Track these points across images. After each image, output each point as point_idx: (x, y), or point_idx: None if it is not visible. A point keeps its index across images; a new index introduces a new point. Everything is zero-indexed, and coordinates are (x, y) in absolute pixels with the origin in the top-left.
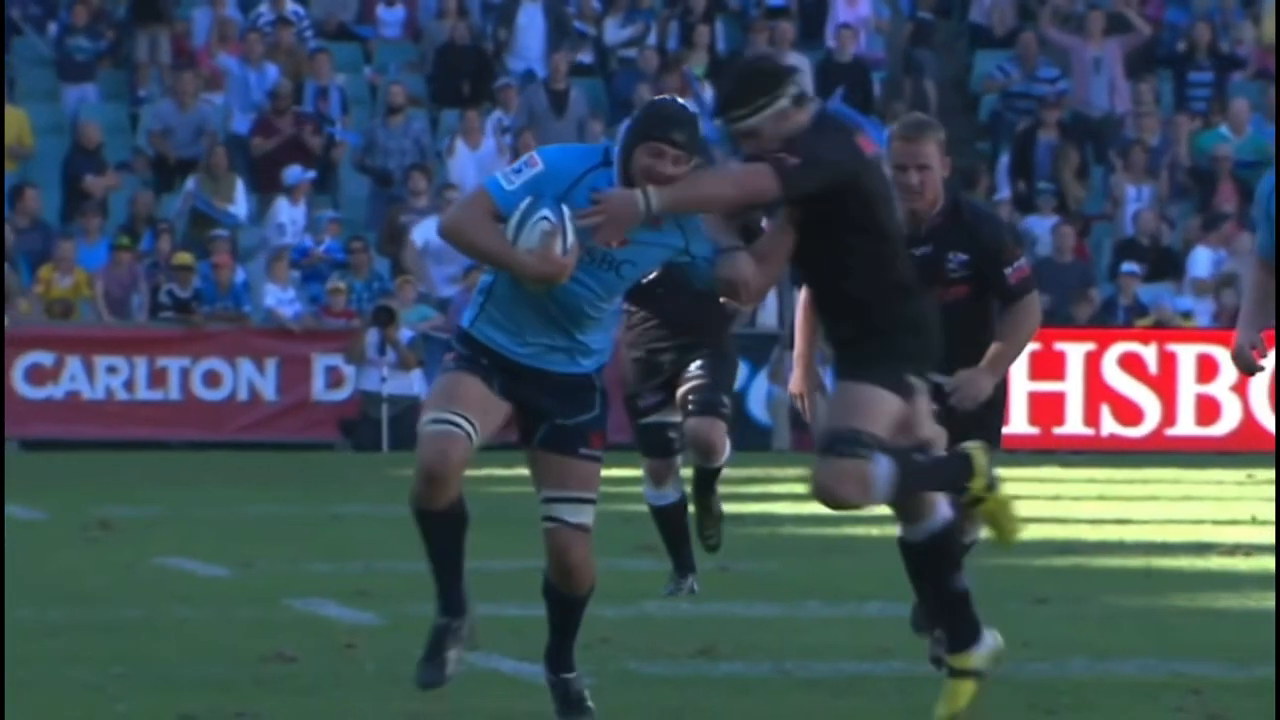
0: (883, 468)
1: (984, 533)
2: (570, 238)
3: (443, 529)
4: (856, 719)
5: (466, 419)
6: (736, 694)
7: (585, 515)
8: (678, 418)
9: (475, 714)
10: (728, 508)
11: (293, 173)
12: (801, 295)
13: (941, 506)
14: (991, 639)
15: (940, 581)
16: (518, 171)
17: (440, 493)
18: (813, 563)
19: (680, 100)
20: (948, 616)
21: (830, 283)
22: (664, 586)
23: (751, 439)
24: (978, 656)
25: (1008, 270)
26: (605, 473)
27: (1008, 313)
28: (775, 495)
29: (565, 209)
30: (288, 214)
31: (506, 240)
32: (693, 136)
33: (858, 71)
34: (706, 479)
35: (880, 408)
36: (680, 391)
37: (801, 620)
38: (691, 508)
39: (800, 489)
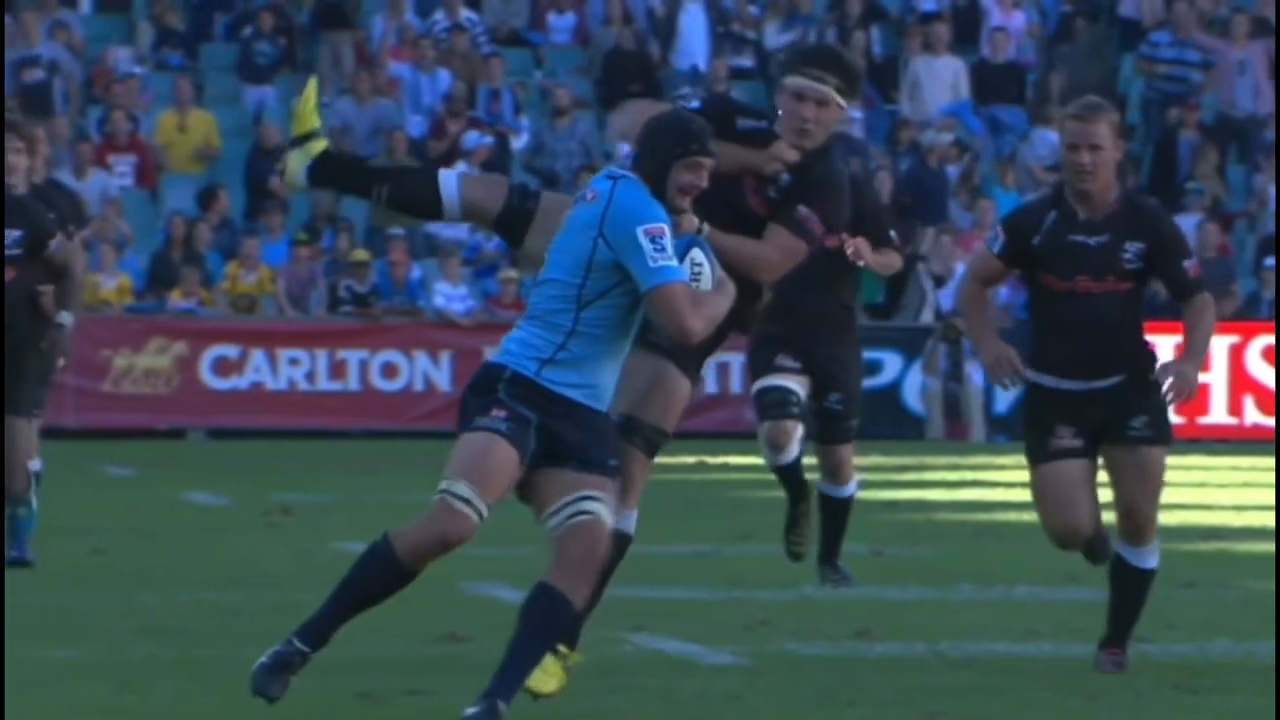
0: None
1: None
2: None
3: (392, 584)
4: (1007, 698)
5: (488, 506)
6: (892, 674)
7: (603, 507)
8: (801, 390)
9: (640, 692)
10: (883, 495)
11: (471, 137)
12: (966, 284)
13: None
14: None
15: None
16: (662, 248)
17: (431, 561)
18: (964, 548)
19: (682, 108)
20: None
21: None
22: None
23: (906, 429)
24: None
25: (1186, 264)
26: (757, 460)
27: (1191, 308)
28: (928, 482)
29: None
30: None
31: (707, 294)
32: (710, 137)
33: (1011, 74)
34: (833, 520)
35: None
36: (815, 408)
37: (954, 603)
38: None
39: (953, 476)
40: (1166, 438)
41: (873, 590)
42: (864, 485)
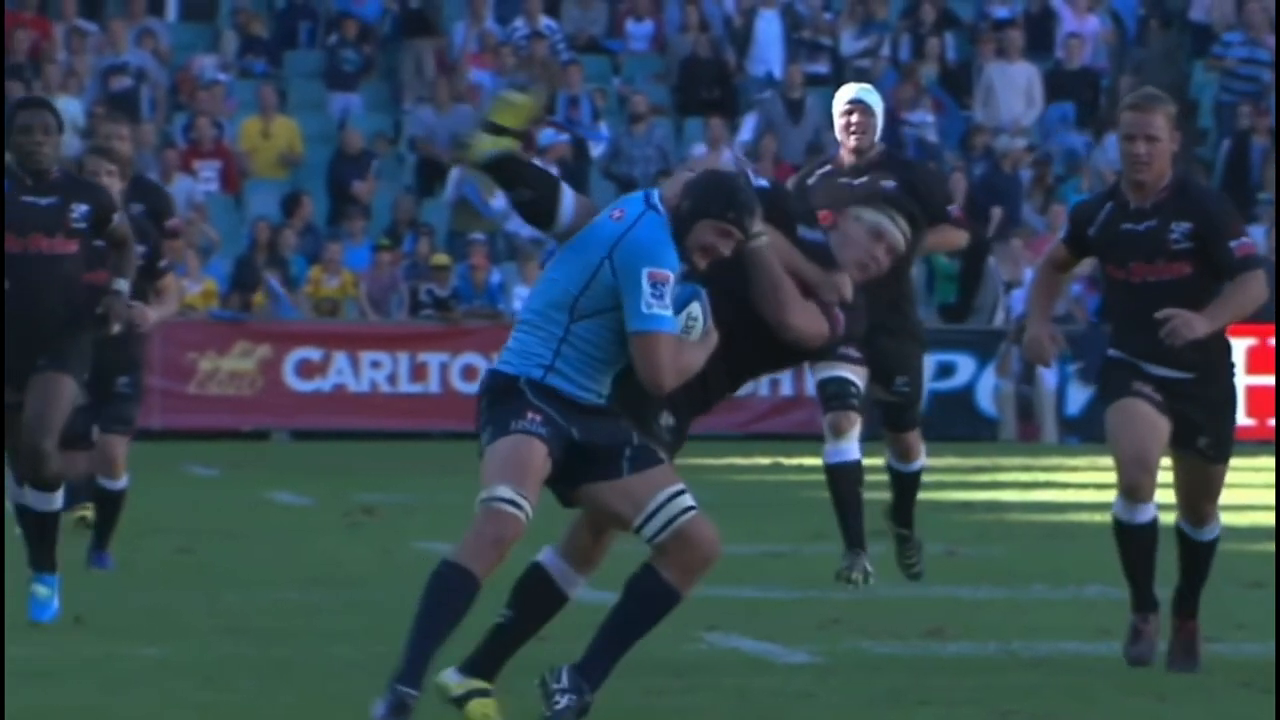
0: None
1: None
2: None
3: (467, 600)
4: (1078, 697)
5: (531, 504)
6: (963, 673)
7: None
8: (860, 381)
9: (715, 691)
10: (957, 495)
11: (547, 134)
12: (1039, 267)
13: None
14: None
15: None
16: (660, 295)
17: (494, 566)
18: (1037, 548)
19: (746, 175)
20: None
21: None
22: (839, 566)
23: (979, 430)
24: None
25: (1233, 244)
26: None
27: (1235, 280)
28: (1002, 483)
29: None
30: None
31: (688, 344)
32: (756, 219)
33: (1086, 80)
34: (903, 492)
35: None
36: (879, 396)
37: (1026, 602)
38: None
39: (1025, 477)
40: (1227, 455)
41: (946, 589)
42: (938, 486)
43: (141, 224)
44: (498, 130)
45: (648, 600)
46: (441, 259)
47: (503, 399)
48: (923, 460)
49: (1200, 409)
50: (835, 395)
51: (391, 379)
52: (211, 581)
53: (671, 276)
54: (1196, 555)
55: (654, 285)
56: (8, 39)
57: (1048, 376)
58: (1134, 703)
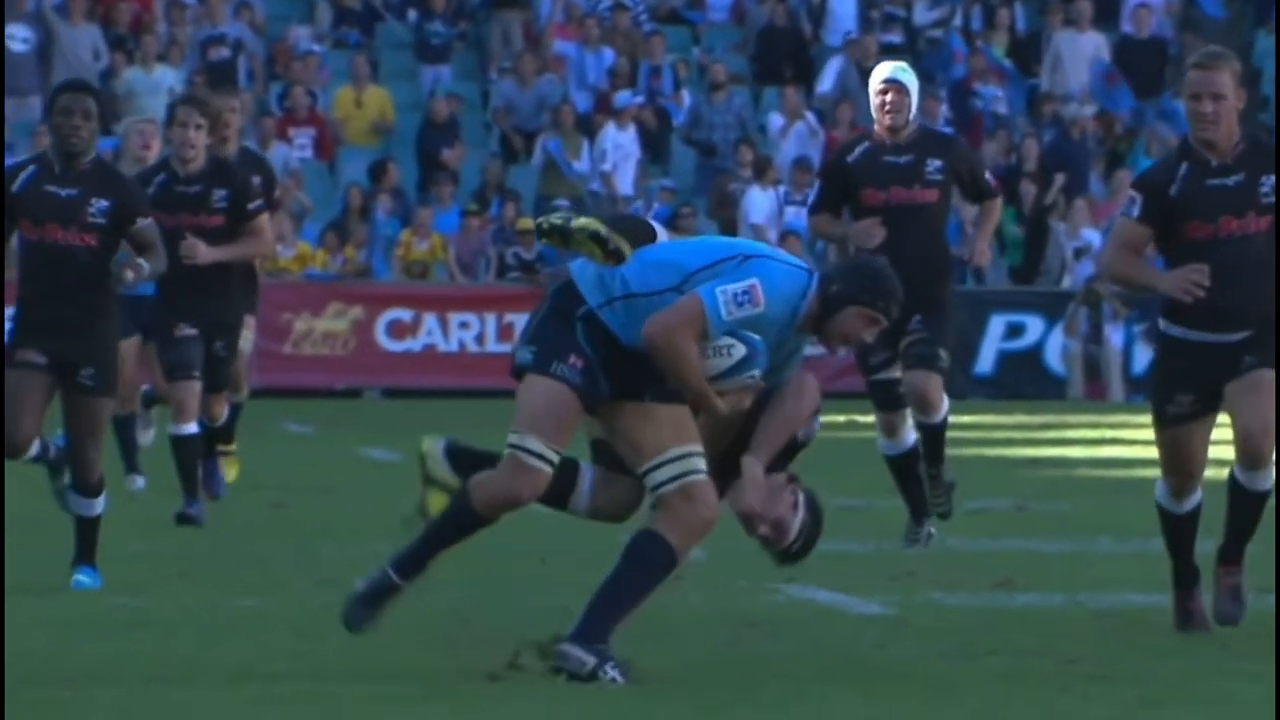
0: None
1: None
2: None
3: (472, 529)
4: (1141, 647)
5: (559, 455)
6: (1032, 623)
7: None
8: (899, 372)
9: (792, 640)
10: (1025, 452)
11: (623, 97)
12: (1114, 255)
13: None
14: None
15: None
16: (740, 304)
17: (506, 512)
18: (1103, 502)
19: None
20: None
21: None
22: (904, 538)
23: (1048, 389)
24: None
25: None
26: None
27: None
28: (1069, 440)
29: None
30: (613, 139)
31: (703, 374)
32: (898, 306)
33: (1154, 49)
34: (931, 440)
35: None
36: (901, 346)
37: (1092, 555)
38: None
39: (1092, 434)
40: (1272, 361)
41: (1014, 543)
42: (1008, 443)
43: (231, 170)
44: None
45: (647, 564)
46: (527, 223)
47: (561, 321)
48: (944, 412)
49: (1247, 348)
50: (884, 400)
51: (479, 339)
52: (306, 535)
53: (761, 297)
54: (1249, 506)
55: (743, 293)
56: (111, 11)
57: (1114, 336)
58: (1196, 650)
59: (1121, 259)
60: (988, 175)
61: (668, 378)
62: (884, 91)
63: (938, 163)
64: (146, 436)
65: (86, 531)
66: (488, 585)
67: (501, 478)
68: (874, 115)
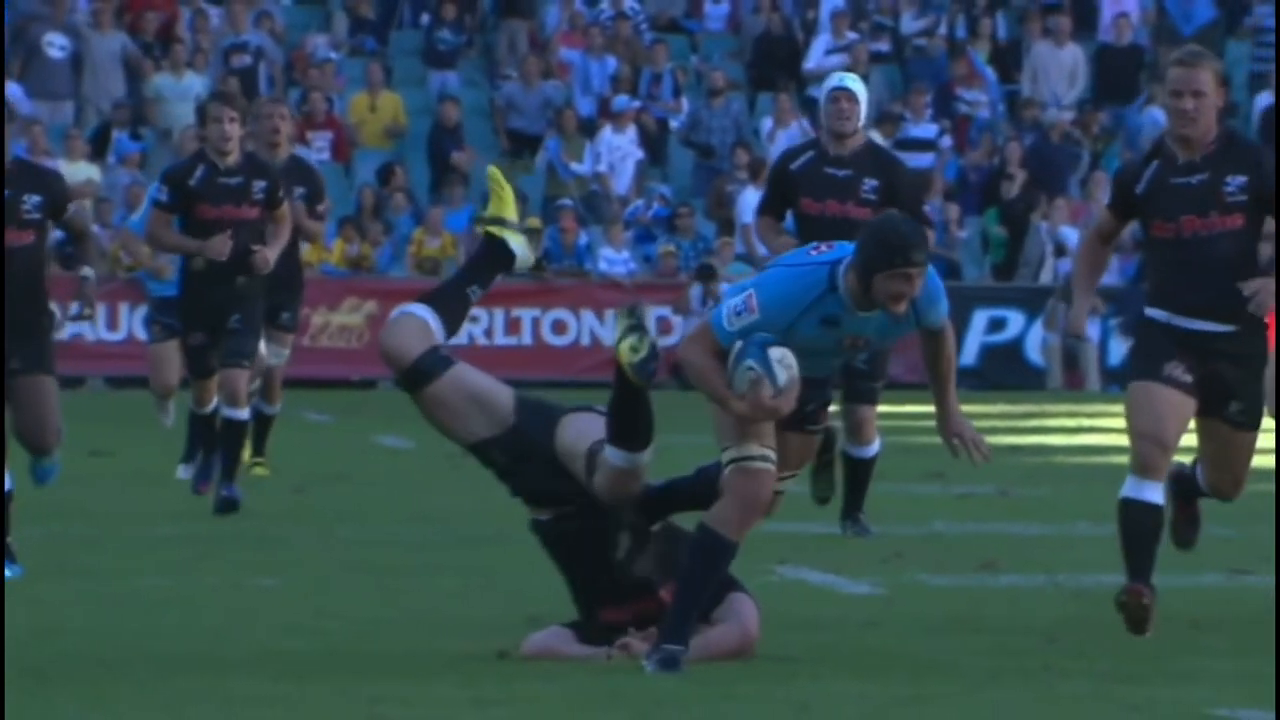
0: None
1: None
2: (782, 376)
3: (731, 559)
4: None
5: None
6: (1014, 603)
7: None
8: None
9: (785, 619)
10: (1007, 440)
11: (620, 100)
12: (1085, 239)
13: None
14: None
15: None
16: (738, 314)
17: (753, 526)
18: (1081, 488)
19: (903, 217)
20: None
21: None
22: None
23: (1028, 380)
24: None
25: None
26: (897, 409)
27: None
28: (1049, 429)
29: (773, 352)
30: (609, 142)
31: (724, 384)
32: (926, 248)
33: (1132, 57)
34: (858, 475)
35: None
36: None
37: (1071, 538)
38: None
39: (1071, 423)
40: (1258, 422)
41: (998, 526)
42: (990, 432)
43: (264, 163)
44: (501, 223)
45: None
46: (534, 222)
47: None
48: (876, 446)
49: (1236, 367)
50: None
51: (488, 332)
52: (324, 519)
53: (756, 306)
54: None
55: (740, 303)
56: (138, 20)
57: (1091, 330)
58: (1170, 629)
59: (1085, 252)
60: (926, 208)
61: (693, 385)
62: (835, 99)
63: (874, 182)
64: (168, 420)
65: None
66: (490, 569)
67: (750, 493)
68: (823, 121)
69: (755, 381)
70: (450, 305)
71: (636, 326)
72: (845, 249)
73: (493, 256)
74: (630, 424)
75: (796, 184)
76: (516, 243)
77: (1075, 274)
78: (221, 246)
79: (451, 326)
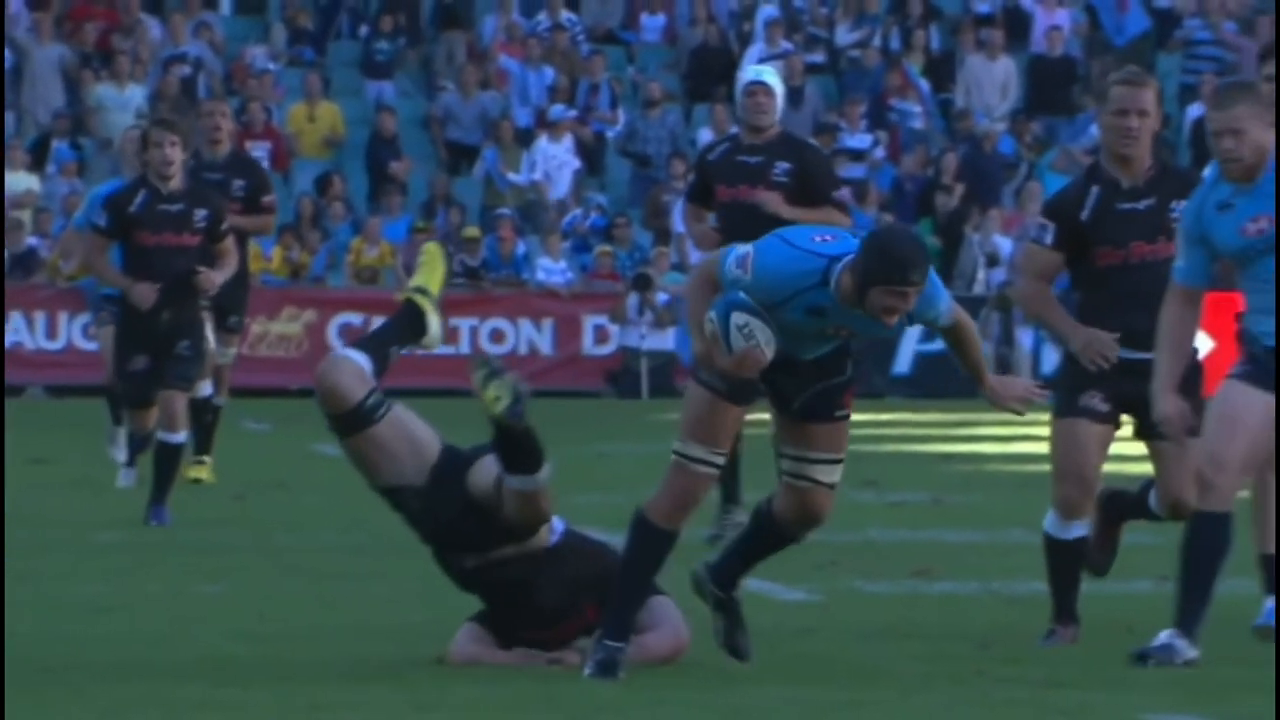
0: None
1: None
2: (738, 343)
3: (667, 548)
4: None
5: (725, 459)
6: (948, 609)
7: (838, 474)
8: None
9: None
10: (940, 448)
11: (556, 110)
12: (1028, 287)
13: None
14: None
15: None
16: (738, 265)
17: (686, 518)
18: (1014, 495)
19: (908, 232)
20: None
21: None
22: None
23: (962, 388)
24: None
25: None
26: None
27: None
28: (982, 436)
29: (736, 318)
30: (544, 151)
31: (704, 318)
32: (927, 265)
33: (1064, 68)
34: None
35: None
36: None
37: (1004, 546)
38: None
39: (1004, 431)
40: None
41: (931, 534)
42: (924, 440)
43: (208, 191)
44: (426, 292)
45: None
46: (473, 231)
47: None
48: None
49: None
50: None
51: None
52: (264, 526)
53: (751, 267)
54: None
55: (741, 257)
56: (78, 30)
57: (1024, 338)
58: (1103, 635)
59: (1038, 298)
60: (837, 194)
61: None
62: (752, 93)
63: (786, 165)
64: (120, 455)
65: None
66: (426, 579)
67: (679, 485)
68: (739, 114)
69: (713, 336)
70: (379, 355)
71: (492, 374)
72: (849, 243)
73: (410, 322)
74: (518, 455)
75: (713, 173)
76: (433, 321)
77: (1046, 321)
78: (146, 297)
79: (380, 374)
